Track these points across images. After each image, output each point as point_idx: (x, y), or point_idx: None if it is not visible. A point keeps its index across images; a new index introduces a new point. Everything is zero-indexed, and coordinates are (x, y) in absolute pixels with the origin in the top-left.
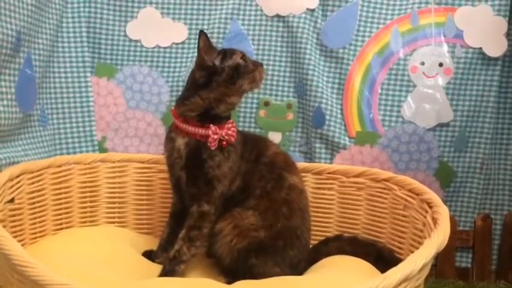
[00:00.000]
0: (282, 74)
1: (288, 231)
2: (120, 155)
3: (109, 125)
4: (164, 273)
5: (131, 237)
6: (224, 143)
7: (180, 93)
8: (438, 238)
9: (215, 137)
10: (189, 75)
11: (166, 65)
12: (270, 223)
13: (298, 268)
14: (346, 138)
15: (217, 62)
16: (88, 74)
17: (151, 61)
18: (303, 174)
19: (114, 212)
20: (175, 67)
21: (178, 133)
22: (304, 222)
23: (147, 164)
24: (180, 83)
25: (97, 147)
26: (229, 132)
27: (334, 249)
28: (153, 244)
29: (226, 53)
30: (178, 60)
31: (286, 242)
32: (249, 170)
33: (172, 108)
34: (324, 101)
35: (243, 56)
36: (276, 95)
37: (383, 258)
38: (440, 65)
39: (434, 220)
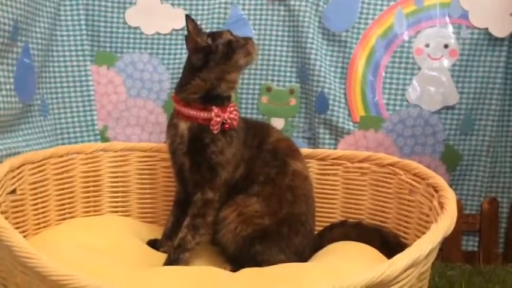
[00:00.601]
0: (283, 59)
1: (292, 217)
2: (122, 144)
3: (110, 114)
4: (169, 262)
5: (135, 226)
6: (226, 126)
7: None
8: (445, 222)
9: (218, 119)
10: (185, 63)
11: (167, 52)
12: (274, 210)
13: (303, 255)
14: (350, 123)
15: (210, 42)
16: (88, 63)
17: (152, 48)
18: (307, 160)
19: (117, 202)
20: (175, 54)
21: (181, 118)
22: (308, 208)
23: (150, 152)
24: (181, 70)
25: (99, 137)
26: (231, 115)
27: (339, 235)
28: (157, 233)
29: (215, 34)
30: (179, 46)
31: (291, 229)
32: (252, 157)
33: (173, 95)
34: (327, 85)
35: (231, 34)
36: (278, 81)
37: (388, 244)
38: (446, 46)
39: (441, 204)
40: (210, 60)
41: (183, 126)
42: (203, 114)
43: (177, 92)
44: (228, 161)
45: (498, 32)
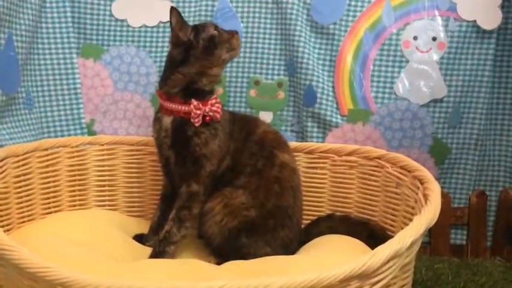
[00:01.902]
0: (272, 51)
1: (279, 210)
2: (109, 138)
3: (97, 107)
4: (154, 255)
5: (122, 220)
6: (207, 118)
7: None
8: (428, 214)
9: (198, 112)
10: (167, 55)
11: (154, 44)
12: (261, 202)
13: (290, 248)
14: (338, 116)
15: (191, 37)
16: (74, 55)
17: (139, 41)
18: (295, 153)
19: (104, 196)
20: (163, 47)
21: (164, 112)
22: (296, 201)
23: (137, 146)
24: None
25: (85, 130)
26: (213, 108)
27: (325, 229)
28: (144, 227)
29: (198, 27)
30: (166, 39)
31: (278, 222)
32: (238, 149)
33: (157, 89)
34: (315, 78)
35: (216, 28)
36: (267, 74)
37: (375, 237)
38: (434, 39)
39: (425, 196)
40: (191, 55)
41: (167, 120)
42: (184, 108)
43: (160, 85)
44: (212, 153)
45: (486, 24)
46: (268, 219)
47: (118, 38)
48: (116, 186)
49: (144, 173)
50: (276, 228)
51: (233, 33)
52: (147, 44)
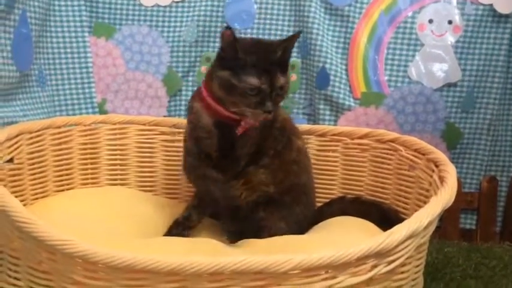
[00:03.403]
0: (285, 33)
1: (296, 187)
2: (121, 117)
3: (109, 86)
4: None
5: (135, 195)
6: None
7: (180, 53)
8: (445, 195)
9: (247, 125)
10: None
11: (166, 24)
12: (280, 179)
13: (303, 225)
14: (351, 99)
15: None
16: (86, 34)
17: (151, 20)
18: (307, 136)
19: (116, 174)
20: (175, 26)
21: (206, 112)
22: (309, 181)
23: (149, 126)
24: (181, 43)
25: (97, 109)
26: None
27: (337, 211)
28: (157, 203)
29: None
30: (179, 19)
31: (294, 198)
32: (264, 135)
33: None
34: (329, 61)
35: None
36: None
37: (387, 219)
38: (450, 22)
39: (441, 178)
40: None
41: (208, 120)
42: (233, 116)
43: (206, 78)
44: (248, 151)
45: (503, 8)
46: (285, 195)
47: (130, 17)
48: (127, 166)
49: (155, 152)
50: (292, 204)
51: (267, 111)
52: (160, 24)
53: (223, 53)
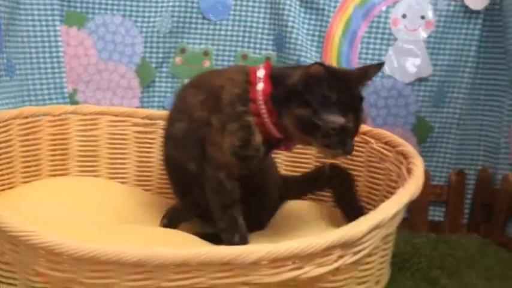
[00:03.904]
0: (260, 26)
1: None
2: (92, 108)
3: (80, 76)
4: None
5: (106, 185)
6: None
7: (154, 44)
8: (412, 187)
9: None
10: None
11: (140, 14)
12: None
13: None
14: None
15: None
16: (57, 23)
17: (124, 10)
18: None
19: (86, 166)
20: (149, 17)
21: (259, 129)
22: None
23: (121, 117)
24: (155, 34)
25: (68, 100)
26: None
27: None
28: (127, 192)
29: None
30: (153, 9)
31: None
32: None
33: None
34: (304, 53)
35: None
36: (254, 48)
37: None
38: (422, 17)
39: (409, 170)
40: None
41: (258, 138)
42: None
43: (277, 103)
44: None
45: (474, 4)
46: None
47: (103, 6)
48: (98, 157)
49: (128, 144)
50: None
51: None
52: (133, 13)
53: (303, 89)
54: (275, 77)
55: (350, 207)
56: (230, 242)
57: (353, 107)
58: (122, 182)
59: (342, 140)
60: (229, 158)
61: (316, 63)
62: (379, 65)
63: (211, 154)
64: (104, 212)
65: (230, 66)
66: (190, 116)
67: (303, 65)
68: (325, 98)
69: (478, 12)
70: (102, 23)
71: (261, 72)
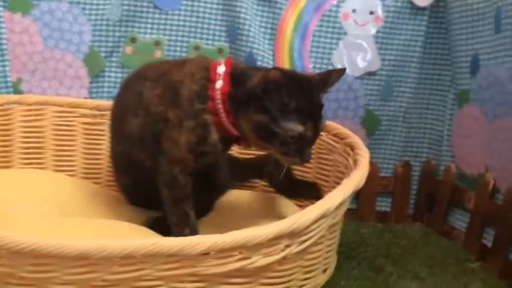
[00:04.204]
0: (213, 17)
1: None
2: (37, 97)
3: (25, 65)
4: None
5: (51, 177)
6: None
7: (103, 32)
8: (357, 177)
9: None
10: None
11: (88, 1)
12: None
13: None
14: None
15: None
16: (0, 9)
17: None
18: None
19: (31, 158)
20: (98, 4)
21: (216, 128)
22: None
23: (67, 107)
24: (104, 22)
25: (11, 89)
26: None
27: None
28: (73, 184)
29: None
30: None
31: None
32: None
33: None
34: (256, 46)
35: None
36: (207, 39)
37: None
38: (371, 13)
39: (355, 161)
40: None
41: (215, 136)
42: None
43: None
44: None
45: (420, 1)
46: None
47: None
48: (43, 149)
49: (75, 135)
50: None
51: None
52: (81, 0)
53: (262, 94)
54: (236, 76)
55: (295, 184)
56: (180, 236)
57: (312, 115)
58: (69, 175)
59: (299, 148)
60: (185, 153)
61: (274, 68)
62: (341, 70)
63: (167, 149)
64: (47, 204)
65: (191, 58)
66: (146, 110)
67: (264, 68)
68: (284, 105)
69: (424, 8)
70: (48, 9)
71: (221, 69)
